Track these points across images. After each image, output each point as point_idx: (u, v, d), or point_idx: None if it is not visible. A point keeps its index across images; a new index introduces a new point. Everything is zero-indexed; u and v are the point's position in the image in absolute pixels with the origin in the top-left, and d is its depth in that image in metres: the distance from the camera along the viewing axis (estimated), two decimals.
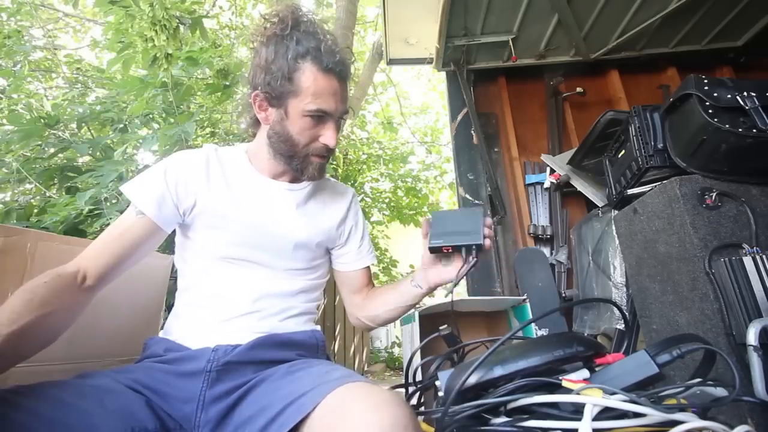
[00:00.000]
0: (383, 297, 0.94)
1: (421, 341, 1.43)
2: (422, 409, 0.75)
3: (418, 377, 0.78)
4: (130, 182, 0.82)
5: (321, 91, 0.79)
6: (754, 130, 1.15)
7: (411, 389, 0.76)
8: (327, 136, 0.82)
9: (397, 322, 1.14)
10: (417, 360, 0.83)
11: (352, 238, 0.98)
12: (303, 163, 0.84)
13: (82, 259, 0.75)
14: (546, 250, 2.11)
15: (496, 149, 2.38)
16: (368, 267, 1.00)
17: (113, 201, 1.92)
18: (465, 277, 2.12)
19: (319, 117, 0.80)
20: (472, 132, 2.34)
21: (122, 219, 0.80)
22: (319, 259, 0.94)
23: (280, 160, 0.85)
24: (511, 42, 2.17)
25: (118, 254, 0.77)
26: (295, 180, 0.91)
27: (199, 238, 0.84)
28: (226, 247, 0.83)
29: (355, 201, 1.02)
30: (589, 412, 0.50)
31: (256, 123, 0.90)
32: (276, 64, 0.79)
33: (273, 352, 0.77)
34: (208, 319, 0.80)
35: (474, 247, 0.76)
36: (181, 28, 2.25)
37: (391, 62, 2.70)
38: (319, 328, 0.91)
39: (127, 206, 0.82)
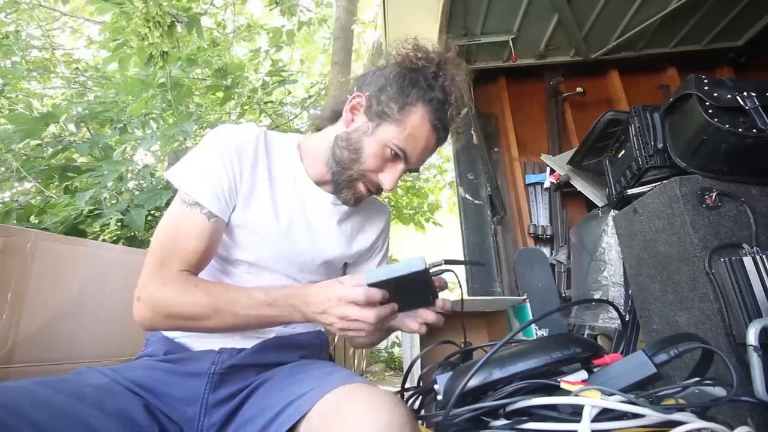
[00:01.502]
0: None
1: (420, 342, 1.43)
2: (422, 412, 0.75)
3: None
4: (186, 174, 0.75)
5: (417, 138, 0.77)
6: (754, 130, 1.14)
7: (410, 393, 0.76)
8: (388, 177, 0.78)
9: None
10: (417, 366, 0.83)
11: (373, 259, 0.96)
12: (348, 184, 0.80)
13: (176, 264, 0.71)
14: (546, 250, 2.11)
15: (496, 149, 2.38)
16: None
17: (113, 201, 1.92)
18: (466, 278, 2.13)
19: (396, 156, 0.77)
20: (472, 132, 2.34)
21: (191, 219, 0.73)
22: (338, 273, 0.92)
23: (330, 166, 0.80)
24: (511, 42, 2.17)
25: (209, 254, 0.75)
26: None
27: (227, 235, 0.79)
28: (253, 251, 0.79)
29: (389, 222, 0.99)
30: (587, 414, 0.50)
31: (333, 119, 0.86)
32: (397, 87, 0.76)
33: (277, 355, 0.77)
34: None
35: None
36: (178, 26, 2.26)
37: None
38: (323, 328, 0.91)
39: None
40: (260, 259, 0.80)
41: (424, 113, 0.76)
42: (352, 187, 0.80)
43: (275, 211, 0.80)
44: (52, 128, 2.15)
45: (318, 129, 0.89)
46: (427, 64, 0.78)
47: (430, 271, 0.66)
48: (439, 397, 0.63)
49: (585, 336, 1.68)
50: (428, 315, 0.71)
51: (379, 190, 0.81)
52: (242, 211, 0.78)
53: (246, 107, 3.11)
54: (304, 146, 0.87)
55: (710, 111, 1.18)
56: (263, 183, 0.80)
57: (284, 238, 0.80)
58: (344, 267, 0.94)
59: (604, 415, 0.51)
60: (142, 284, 0.70)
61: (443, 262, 0.67)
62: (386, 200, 5.97)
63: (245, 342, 0.76)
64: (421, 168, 0.85)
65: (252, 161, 0.79)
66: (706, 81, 1.23)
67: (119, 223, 1.78)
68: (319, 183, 0.85)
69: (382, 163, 0.78)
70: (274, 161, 0.83)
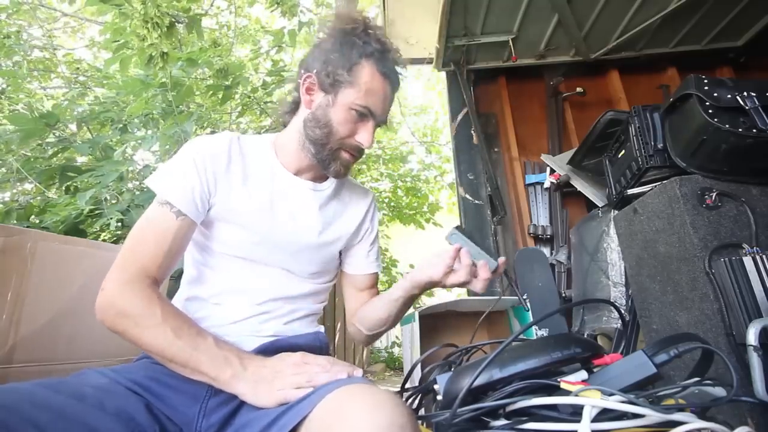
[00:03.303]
0: (375, 299, 0.94)
1: (420, 342, 1.44)
2: (421, 412, 0.75)
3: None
4: (161, 177, 0.77)
5: (374, 91, 0.81)
6: (754, 130, 1.15)
7: (409, 392, 0.76)
8: (364, 135, 0.82)
9: None
10: (418, 369, 0.83)
11: (363, 242, 0.98)
12: (332, 156, 0.83)
13: (140, 262, 0.71)
14: (546, 250, 2.11)
15: (496, 149, 2.38)
16: (375, 274, 1.00)
17: (113, 201, 1.92)
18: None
19: (362, 115, 0.81)
20: (472, 132, 2.34)
21: (160, 217, 0.75)
22: (331, 263, 0.93)
23: (309, 150, 0.83)
24: (511, 42, 2.17)
25: (174, 254, 0.75)
26: (318, 178, 0.89)
27: (213, 233, 0.81)
28: (240, 245, 0.81)
29: (374, 205, 1.02)
30: (587, 414, 0.50)
31: (293, 110, 0.90)
32: (338, 54, 0.80)
33: None
34: (210, 322, 0.78)
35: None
36: (179, 27, 2.26)
37: None
38: (322, 329, 0.91)
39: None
40: (251, 253, 0.81)
41: (371, 66, 0.81)
42: (337, 158, 0.84)
43: (258, 205, 0.82)
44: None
45: (285, 125, 0.92)
46: (355, 25, 0.83)
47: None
48: (439, 397, 0.63)
49: (585, 336, 1.68)
50: (483, 272, 0.80)
51: (360, 151, 0.85)
52: (224, 208, 0.80)
53: (246, 107, 3.11)
54: (277, 142, 0.90)
55: (710, 111, 1.19)
56: (242, 180, 0.82)
57: (271, 228, 0.82)
58: (340, 254, 0.95)
59: (604, 415, 0.51)
60: (108, 276, 0.71)
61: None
62: (386, 200, 5.98)
63: (244, 344, 0.76)
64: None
65: (226, 162, 0.81)
66: (706, 81, 1.23)
67: (119, 223, 1.78)
68: (297, 173, 0.88)
69: (353, 126, 0.82)
70: (250, 161, 0.85)
